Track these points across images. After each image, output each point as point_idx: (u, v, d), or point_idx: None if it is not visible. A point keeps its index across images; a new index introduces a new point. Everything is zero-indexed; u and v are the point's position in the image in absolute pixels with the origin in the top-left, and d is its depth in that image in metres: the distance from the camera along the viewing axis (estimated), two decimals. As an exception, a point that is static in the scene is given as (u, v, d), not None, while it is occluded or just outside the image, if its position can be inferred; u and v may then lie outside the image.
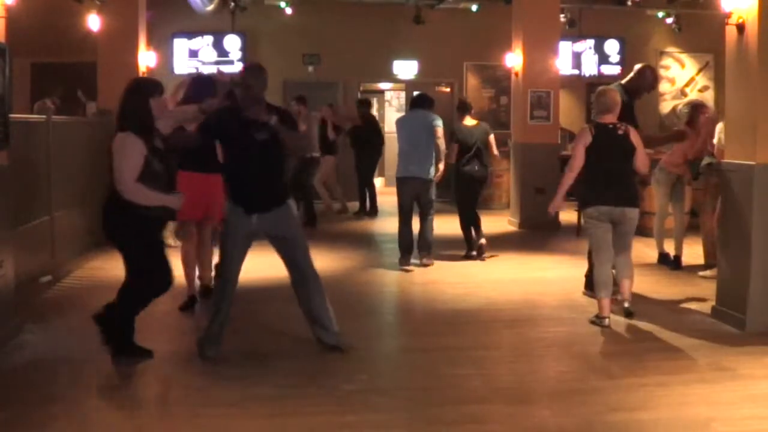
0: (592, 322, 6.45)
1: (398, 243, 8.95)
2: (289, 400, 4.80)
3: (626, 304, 6.58)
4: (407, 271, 8.72)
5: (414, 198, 8.87)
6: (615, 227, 6.46)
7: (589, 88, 15.60)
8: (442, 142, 8.86)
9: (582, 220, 6.75)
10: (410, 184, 8.80)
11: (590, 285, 7.18)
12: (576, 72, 16.10)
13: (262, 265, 6.73)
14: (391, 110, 20.15)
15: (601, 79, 14.39)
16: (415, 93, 10.59)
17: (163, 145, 5.42)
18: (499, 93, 16.34)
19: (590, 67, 16.21)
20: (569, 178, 6.52)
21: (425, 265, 8.91)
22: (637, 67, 7.52)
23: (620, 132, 6.44)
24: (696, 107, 9.13)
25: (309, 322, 5.72)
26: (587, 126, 6.57)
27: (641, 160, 6.51)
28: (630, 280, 6.63)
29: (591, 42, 16.22)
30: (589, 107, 15.29)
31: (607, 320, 6.39)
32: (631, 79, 7.40)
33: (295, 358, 5.57)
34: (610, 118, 6.50)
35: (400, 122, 9.25)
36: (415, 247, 9.05)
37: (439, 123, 8.85)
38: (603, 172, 6.40)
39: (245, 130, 5.39)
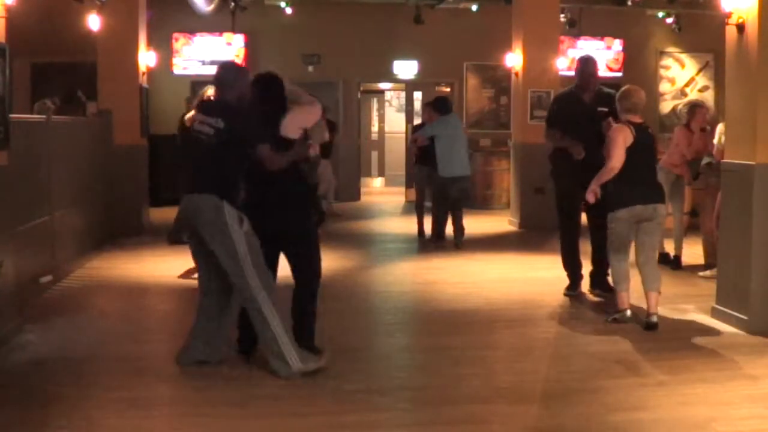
0: (614, 320, 6.40)
1: (438, 229, 10.23)
2: (289, 400, 4.80)
3: (654, 319, 6.28)
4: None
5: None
6: (643, 226, 6.37)
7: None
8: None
9: (608, 219, 6.48)
10: (458, 182, 10.07)
11: (572, 286, 7.35)
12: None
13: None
14: (391, 110, 20.15)
15: (601, 80, 14.30)
16: (438, 97, 11.00)
17: None
18: (499, 93, 16.28)
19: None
20: (609, 175, 6.28)
21: (458, 246, 10.06)
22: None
23: (650, 131, 6.56)
24: (695, 107, 9.12)
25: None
26: (626, 126, 6.31)
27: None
28: (657, 293, 6.36)
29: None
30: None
31: (628, 312, 6.41)
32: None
33: (295, 358, 5.56)
34: (638, 118, 6.43)
35: (441, 127, 10.08)
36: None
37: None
38: (638, 171, 6.30)
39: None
